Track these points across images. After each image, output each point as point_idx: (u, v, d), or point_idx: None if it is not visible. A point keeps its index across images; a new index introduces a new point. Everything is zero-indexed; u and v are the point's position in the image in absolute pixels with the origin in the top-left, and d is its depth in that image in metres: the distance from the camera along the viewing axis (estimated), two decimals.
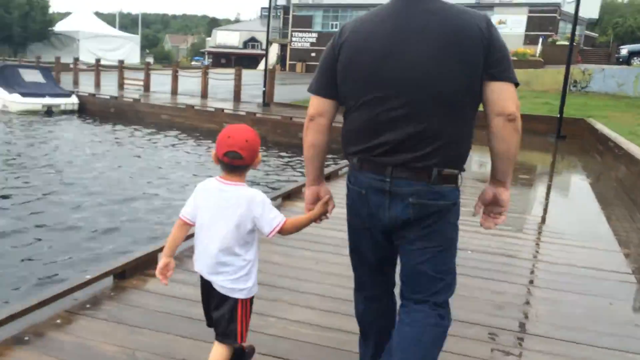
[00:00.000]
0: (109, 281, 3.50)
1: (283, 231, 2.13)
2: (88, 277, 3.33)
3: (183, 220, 2.21)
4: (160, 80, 22.79)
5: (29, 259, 5.81)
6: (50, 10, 52.14)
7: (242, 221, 2.09)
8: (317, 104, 2.08)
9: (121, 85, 23.49)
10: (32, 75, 19.67)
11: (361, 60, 1.95)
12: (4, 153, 11.88)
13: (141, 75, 23.54)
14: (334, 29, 41.47)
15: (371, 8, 2.09)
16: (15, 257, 5.84)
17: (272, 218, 2.10)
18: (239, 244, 2.11)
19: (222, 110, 16.65)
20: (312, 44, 43.38)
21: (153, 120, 17.59)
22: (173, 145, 14.23)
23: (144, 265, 3.73)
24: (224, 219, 2.10)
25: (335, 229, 4.62)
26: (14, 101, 18.22)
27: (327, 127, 2.10)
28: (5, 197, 8.12)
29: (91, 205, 7.92)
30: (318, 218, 2.24)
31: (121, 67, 24.42)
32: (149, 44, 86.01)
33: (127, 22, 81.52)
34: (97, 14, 61.14)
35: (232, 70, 22.01)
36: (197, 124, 16.69)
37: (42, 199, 8.17)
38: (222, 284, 2.14)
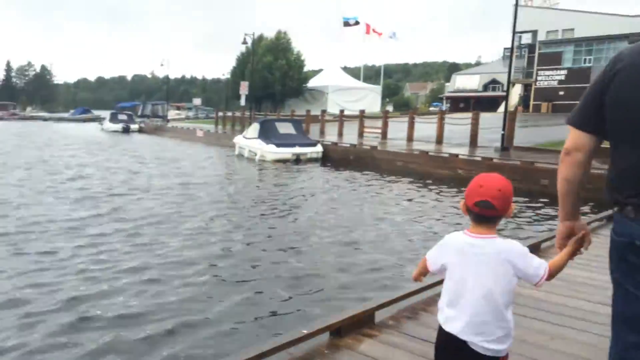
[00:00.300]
0: (324, 337, 3.44)
1: (549, 277, 2.01)
2: (304, 331, 3.32)
3: (426, 264, 2.17)
4: (398, 127, 23.52)
5: (252, 305, 5.86)
6: (305, 69, 58.69)
7: (505, 277, 1.96)
8: (575, 138, 1.93)
9: (361, 134, 24.97)
10: (285, 128, 22.34)
11: (638, 90, 1.70)
12: (254, 197, 13.32)
13: (380, 123, 24.63)
14: (587, 64, 38.12)
15: (632, 37, 1.70)
16: (238, 302, 5.92)
17: (538, 266, 1.98)
18: (503, 302, 1.96)
19: (457, 155, 16.32)
20: (560, 82, 40.36)
21: (388, 166, 18.06)
22: (405, 192, 14.30)
23: (360, 324, 3.61)
24: (484, 277, 1.96)
25: (579, 297, 3.91)
26: (270, 151, 20.77)
27: (583, 162, 1.93)
28: (247, 237, 8.97)
29: (318, 250, 8.21)
30: (573, 255, 2.10)
31: (362, 116, 25.98)
32: (390, 93, 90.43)
33: (371, 74, 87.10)
34: (344, 69, 66.82)
35: (469, 114, 21.58)
36: (430, 170, 16.61)
37: (272, 240, 8.78)
38: (482, 344, 1.95)
